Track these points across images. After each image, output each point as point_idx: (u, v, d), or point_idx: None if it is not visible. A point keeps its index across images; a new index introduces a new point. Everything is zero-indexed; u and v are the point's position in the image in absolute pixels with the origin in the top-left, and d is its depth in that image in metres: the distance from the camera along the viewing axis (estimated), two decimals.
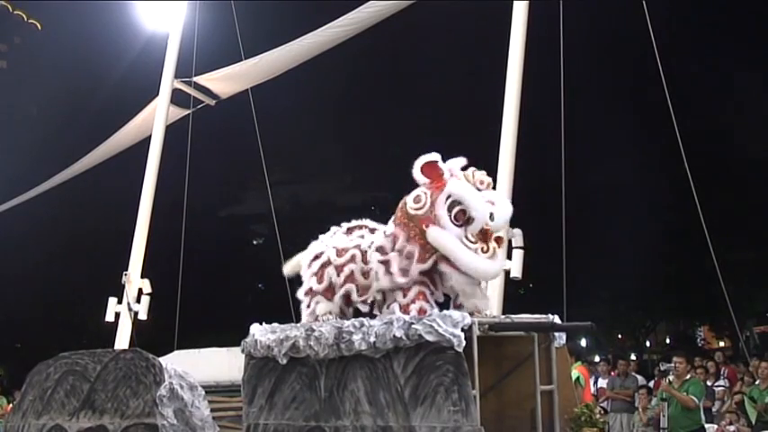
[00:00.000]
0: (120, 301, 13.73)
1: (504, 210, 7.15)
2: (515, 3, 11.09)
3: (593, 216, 28.14)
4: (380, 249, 7.23)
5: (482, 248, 6.96)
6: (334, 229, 7.94)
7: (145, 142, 15.15)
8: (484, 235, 7.00)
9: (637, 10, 11.41)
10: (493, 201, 7.11)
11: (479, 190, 7.11)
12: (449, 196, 6.98)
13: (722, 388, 15.96)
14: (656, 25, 11.42)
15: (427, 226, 6.95)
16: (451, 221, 6.94)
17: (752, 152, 30.62)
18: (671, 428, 12.58)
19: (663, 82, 11.50)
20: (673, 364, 13.37)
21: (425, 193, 7.05)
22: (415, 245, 7.02)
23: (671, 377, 13.63)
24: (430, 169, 7.11)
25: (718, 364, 17.78)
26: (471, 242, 6.94)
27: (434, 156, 7.17)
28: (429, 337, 6.69)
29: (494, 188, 7.39)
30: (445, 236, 6.92)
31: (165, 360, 9.19)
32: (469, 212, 6.94)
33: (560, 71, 11.65)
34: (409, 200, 7.12)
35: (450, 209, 6.96)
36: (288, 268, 8.27)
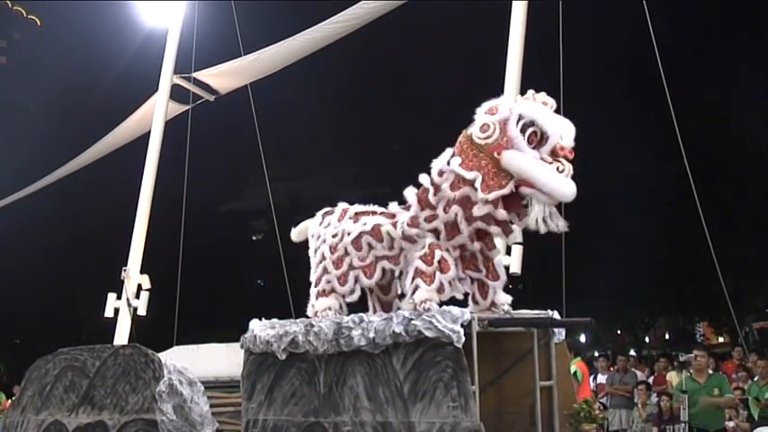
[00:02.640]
0: (119, 297, 13.73)
1: (570, 128, 6.86)
2: (514, 2, 11.09)
3: (593, 213, 28.13)
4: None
5: (558, 168, 6.70)
6: (340, 207, 7.85)
7: (144, 138, 15.15)
8: (556, 154, 6.75)
9: (637, 8, 11.41)
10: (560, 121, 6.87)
11: None
12: (520, 117, 6.74)
13: None
14: (656, 22, 11.41)
15: (499, 154, 6.68)
16: (526, 143, 6.69)
17: (751, 149, 30.60)
18: (695, 425, 12.48)
19: (663, 80, 11.50)
20: (693, 356, 13.24)
21: (493, 122, 6.78)
22: (482, 174, 6.71)
23: (691, 371, 13.60)
24: (493, 110, 6.88)
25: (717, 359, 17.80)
26: (548, 163, 6.69)
27: (496, 100, 6.97)
28: (428, 333, 6.68)
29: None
30: (525, 158, 6.66)
31: (164, 356, 9.20)
32: (544, 131, 6.70)
33: (559, 68, 11.65)
34: (475, 129, 6.82)
35: (522, 131, 6.71)
36: (295, 234, 8.18)
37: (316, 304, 7.64)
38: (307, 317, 7.68)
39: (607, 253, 30.53)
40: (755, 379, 13.97)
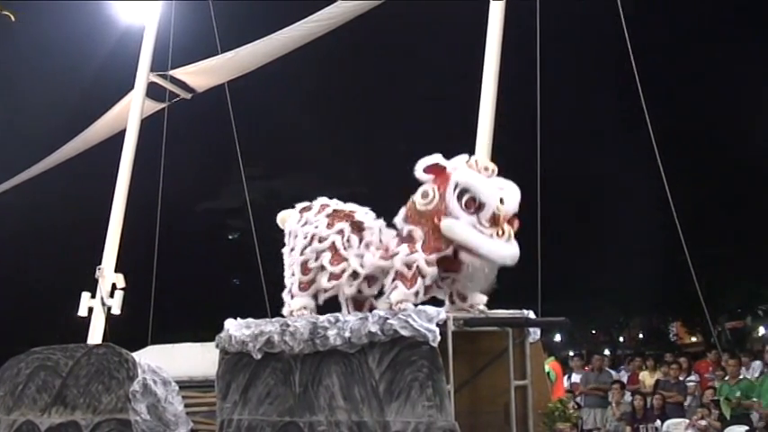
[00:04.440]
0: (93, 296, 13.64)
1: (513, 193, 7.12)
2: (492, 2, 11.12)
3: (568, 212, 28.26)
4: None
5: (497, 233, 6.92)
6: (319, 201, 7.86)
7: (120, 136, 15.06)
8: (496, 220, 6.95)
9: (616, 7, 11.46)
10: (500, 186, 7.09)
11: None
12: (456, 185, 6.95)
13: (693, 383, 16.07)
14: (634, 22, 11.48)
15: (439, 219, 6.93)
16: (463, 210, 6.91)
17: (726, 149, 30.81)
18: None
19: (636, 80, 11.56)
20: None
21: (432, 188, 7.04)
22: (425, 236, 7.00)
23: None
24: (433, 168, 7.11)
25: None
26: (485, 228, 6.91)
27: (436, 156, 7.17)
28: (404, 332, 6.69)
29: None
30: (459, 225, 6.90)
31: (138, 355, 9.16)
32: (479, 198, 6.91)
33: (537, 68, 11.70)
34: (417, 197, 7.10)
35: (459, 198, 6.93)
36: (282, 220, 8.16)
37: (291, 303, 7.63)
38: (282, 316, 7.67)
39: (582, 253, 30.65)
40: (726, 378, 14.10)
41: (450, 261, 7.12)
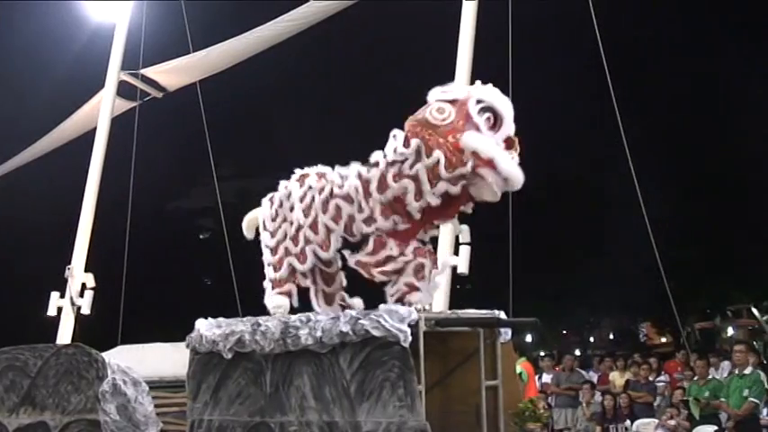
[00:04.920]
0: (62, 296, 13.56)
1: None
2: (464, 2, 11.15)
3: (539, 212, 28.38)
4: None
5: (511, 156, 6.78)
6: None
7: (90, 134, 14.98)
8: (510, 142, 6.82)
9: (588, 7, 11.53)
10: None
11: None
12: (479, 101, 6.78)
13: (663, 383, 16.20)
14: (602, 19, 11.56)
15: (455, 136, 6.69)
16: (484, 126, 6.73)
17: (696, 150, 31.09)
18: None
19: (609, 81, 11.63)
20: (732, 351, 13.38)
21: (450, 104, 6.79)
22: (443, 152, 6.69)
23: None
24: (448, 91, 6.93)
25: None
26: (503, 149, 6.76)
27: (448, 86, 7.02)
28: (375, 333, 6.68)
29: None
30: (485, 140, 6.69)
31: (108, 355, 9.10)
32: (501, 116, 6.75)
33: (508, 67, 11.75)
34: (431, 111, 6.79)
35: (479, 115, 6.74)
36: (246, 227, 8.06)
37: (273, 299, 7.54)
38: (254, 315, 7.64)
39: (553, 253, 30.80)
40: (695, 379, 14.21)
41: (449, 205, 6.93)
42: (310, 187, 7.51)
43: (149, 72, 15.32)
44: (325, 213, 7.30)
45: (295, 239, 7.46)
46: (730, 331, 35.93)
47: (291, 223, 7.52)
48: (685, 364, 16.60)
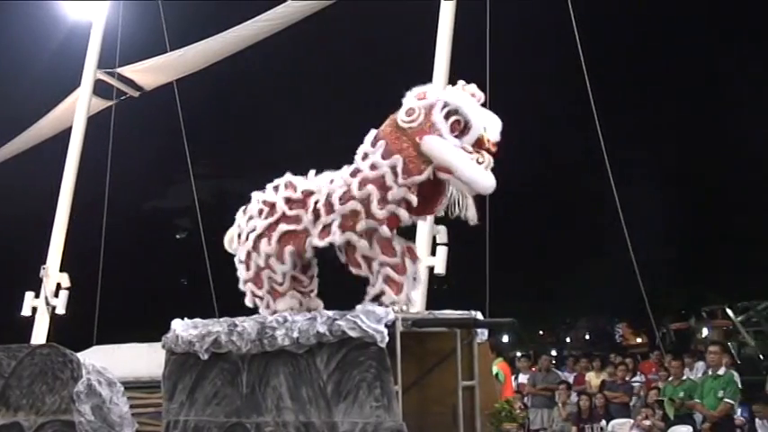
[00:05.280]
0: (37, 296, 13.48)
1: (495, 122, 6.93)
2: (443, 2, 11.16)
3: (515, 212, 28.44)
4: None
5: (478, 159, 6.74)
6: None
7: (66, 133, 14.90)
8: (480, 145, 6.78)
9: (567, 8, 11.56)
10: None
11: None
12: (445, 104, 6.76)
13: (639, 384, 16.26)
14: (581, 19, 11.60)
15: (421, 138, 6.70)
16: (448, 130, 6.72)
17: (675, 153, 31.28)
18: None
19: (586, 81, 11.68)
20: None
21: (419, 107, 6.80)
22: (403, 158, 6.74)
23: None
24: (421, 93, 6.94)
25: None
26: (468, 152, 6.73)
27: (424, 87, 7.01)
28: (352, 333, 6.68)
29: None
30: (445, 144, 6.68)
31: (83, 355, 9.05)
32: (466, 119, 6.72)
33: (486, 67, 11.77)
34: (400, 113, 6.85)
35: (446, 118, 6.73)
36: (227, 242, 8.01)
37: (278, 304, 7.46)
38: (231, 316, 7.61)
39: (530, 254, 30.89)
40: (670, 379, 14.28)
41: (429, 190, 6.91)
42: (251, 218, 7.49)
43: (126, 71, 15.26)
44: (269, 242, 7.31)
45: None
46: (705, 332, 36.14)
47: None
48: (660, 364, 16.67)
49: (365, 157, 6.95)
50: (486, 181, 6.78)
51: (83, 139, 14.27)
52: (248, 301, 7.56)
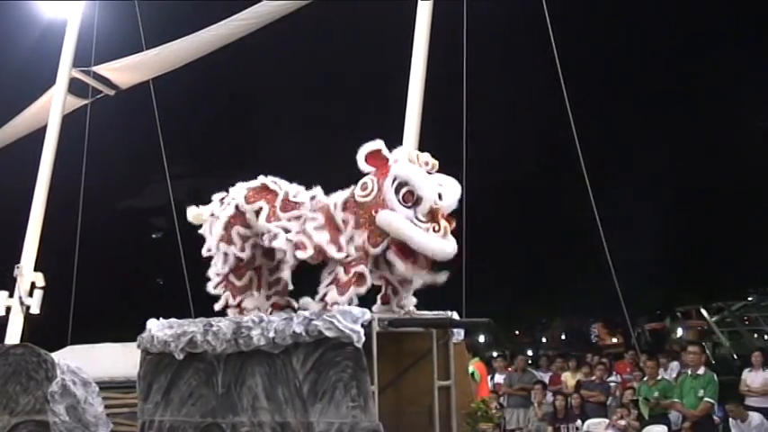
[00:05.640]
0: (11, 295, 13.35)
1: (453, 188, 7.15)
2: (420, 2, 11.17)
3: (491, 214, 28.48)
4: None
5: (433, 228, 6.94)
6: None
7: (41, 132, 14.79)
8: (433, 215, 6.98)
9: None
10: (440, 182, 7.12)
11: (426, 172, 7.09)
12: (395, 178, 6.97)
13: (614, 383, 16.32)
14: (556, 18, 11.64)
15: (376, 212, 6.95)
16: (400, 203, 6.92)
17: (649, 152, 31.40)
18: None
19: (562, 83, 11.71)
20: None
21: (372, 180, 7.05)
22: (363, 231, 7.01)
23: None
24: (374, 157, 7.12)
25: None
26: (422, 222, 6.93)
27: (378, 143, 7.17)
28: (329, 333, 6.68)
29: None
30: (396, 217, 6.91)
31: (57, 355, 9.02)
32: (417, 192, 6.93)
33: (463, 68, 11.79)
34: (357, 188, 7.10)
35: (397, 191, 6.94)
36: (192, 215, 8.06)
37: (245, 303, 7.51)
38: (206, 316, 7.59)
39: (505, 254, 30.95)
40: (645, 379, 14.35)
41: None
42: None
43: (101, 69, 15.16)
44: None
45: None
46: (680, 332, 36.39)
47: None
48: (634, 364, 16.76)
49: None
50: (441, 249, 7.03)
51: (58, 137, 14.16)
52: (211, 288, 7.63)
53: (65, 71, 14.53)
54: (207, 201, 8.12)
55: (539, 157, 30.94)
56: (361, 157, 7.14)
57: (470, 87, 11.88)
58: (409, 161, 7.12)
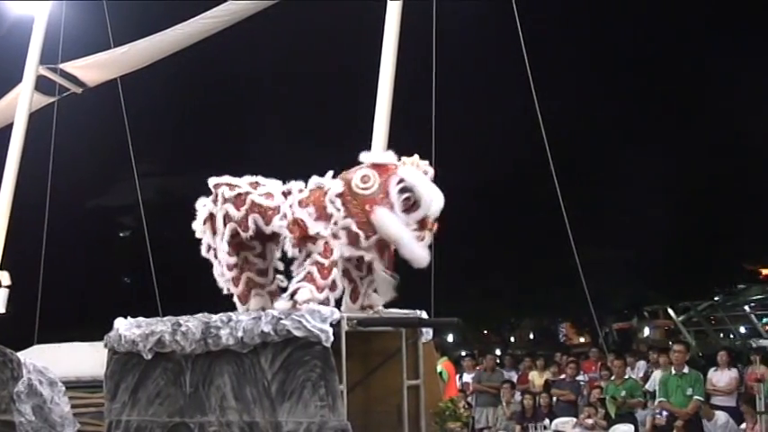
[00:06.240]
0: None
1: (439, 201, 7.20)
2: (389, 2, 11.18)
3: (459, 214, 28.52)
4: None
5: (420, 236, 7.04)
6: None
7: (7, 130, 14.66)
8: (424, 224, 7.08)
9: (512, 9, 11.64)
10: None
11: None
12: (401, 181, 7.02)
13: (583, 382, 16.43)
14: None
15: (370, 207, 6.96)
16: (400, 206, 6.99)
17: (613, 153, 31.59)
18: None
19: (531, 85, 11.76)
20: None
21: (374, 175, 7.06)
22: (352, 222, 7.02)
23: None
24: (381, 165, 7.18)
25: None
26: (413, 229, 7.02)
27: (389, 155, 7.31)
28: (297, 333, 6.68)
29: None
30: (394, 220, 6.97)
31: (23, 355, 8.96)
32: (419, 200, 7.01)
33: (433, 69, 11.82)
34: (356, 178, 7.09)
35: (399, 193, 7.00)
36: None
37: (251, 303, 7.48)
38: (175, 315, 7.56)
39: (473, 253, 31.03)
40: (612, 378, 14.45)
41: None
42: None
43: (68, 67, 15.04)
44: None
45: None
46: (647, 332, 36.69)
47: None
48: (598, 361, 16.89)
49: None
50: (423, 258, 7.13)
51: (24, 135, 14.05)
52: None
53: (32, 68, 14.42)
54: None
55: (509, 156, 31.01)
56: (366, 158, 7.20)
57: (440, 87, 11.90)
58: (412, 167, 7.16)
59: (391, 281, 7.31)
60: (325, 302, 6.98)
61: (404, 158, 7.25)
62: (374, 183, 7.04)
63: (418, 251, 7.03)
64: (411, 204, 7.05)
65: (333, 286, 7.08)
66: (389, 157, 7.33)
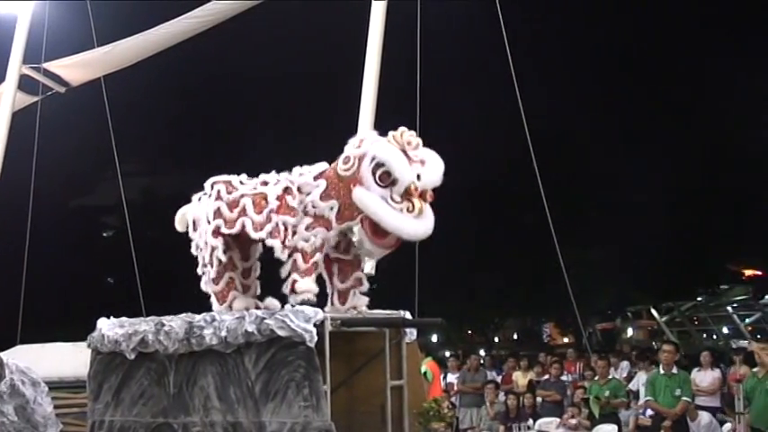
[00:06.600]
0: None
1: (434, 168, 7.18)
2: (374, 2, 11.19)
3: (445, 215, 28.56)
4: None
5: (407, 208, 6.98)
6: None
7: None
8: (408, 195, 7.01)
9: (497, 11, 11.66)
10: (423, 160, 7.14)
11: (406, 151, 7.10)
12: (373, 158, 7.01)
13: (567, 383, 16.46)
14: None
15: (354, 186, 7.01)
16: (376, 183, 6.97)
17: (597, 154, 31.70)
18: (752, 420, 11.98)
19: (516, 88, 11.80)
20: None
21: (353, 156, 7.09)
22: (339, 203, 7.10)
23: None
24: (359, 142, 7.19)
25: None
26: (396, 202, 6.96)
27: (369, 131, 7.36)
28: (281, 333, 6.67)
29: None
30: (369, 196, 6.96)
31: (6, 355, 8.92)
32: (393, 173, 6.98)
33: (418, 69, 11.84)
34: (339, 161, 7.16)
35: (374, 171, 6.98)
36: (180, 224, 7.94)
37: (235, 304, 7.45)
38: (158, 315, 7.54)
39: (458, 254, 31.08)
40: (596, 378, 14.48)
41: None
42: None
43: (52, 66, 15.00)
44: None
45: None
46: (630, 332, 36.83)
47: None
48: (578, 360, 16.92)
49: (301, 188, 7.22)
50: (414, 230, 7.07)
51: (7, 135, 14.01)
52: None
53: (15, 68, 14.38)
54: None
55: (494, 156, 31.09)
56: (351, 142, 7.20)
57: (425, 89, 11.93)
58: (391, 141, 7.13)
59: (378, 250, 7.25)
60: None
61: (390, 133, 7.22)
62: (353, 163, 7.06)
63: (404, 224, 6.99)
64: (391, 180, 7.00)
65: (315, 267, 7.12)
66: (370, 135, 7.34)
